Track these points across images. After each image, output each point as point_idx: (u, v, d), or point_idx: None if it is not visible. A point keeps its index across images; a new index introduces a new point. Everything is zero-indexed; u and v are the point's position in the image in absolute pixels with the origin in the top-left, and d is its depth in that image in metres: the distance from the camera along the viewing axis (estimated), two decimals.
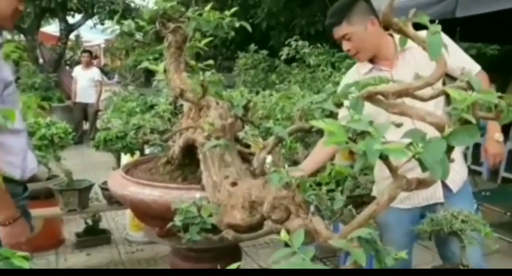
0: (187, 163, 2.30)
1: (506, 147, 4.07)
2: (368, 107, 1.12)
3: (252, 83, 5.49)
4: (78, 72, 9.05)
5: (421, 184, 1.13)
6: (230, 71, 7.35)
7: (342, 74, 3.40)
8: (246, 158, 2.29)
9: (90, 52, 9.66)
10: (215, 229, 1.63)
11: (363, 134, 1.05)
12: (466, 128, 1.08)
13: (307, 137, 3.09)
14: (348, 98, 1.29)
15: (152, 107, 3.36)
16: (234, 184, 1.85)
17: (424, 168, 1.06)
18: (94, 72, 8.98)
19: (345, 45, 1.99)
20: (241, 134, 1.63)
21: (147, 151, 3.92)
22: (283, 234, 1.13)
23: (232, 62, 7.35)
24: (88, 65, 9.01)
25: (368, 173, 2.58)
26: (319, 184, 1.85)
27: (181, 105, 2.45)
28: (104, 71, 13.45)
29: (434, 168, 1.02)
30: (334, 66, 4.67)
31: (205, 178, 1.98)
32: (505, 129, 3.07)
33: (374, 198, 2.42)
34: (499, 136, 2.13)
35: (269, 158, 1.72)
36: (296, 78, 4.65)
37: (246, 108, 1.85)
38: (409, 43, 1.95)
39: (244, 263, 2.47)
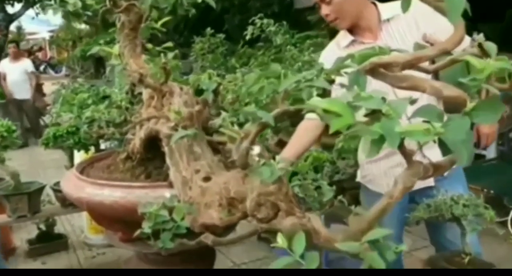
0: (150, 158, 2.09)
1: None
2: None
3: (211, 68, 5.26)
4: (6, 65, 8.18)
5: (438, 169, 0.97)
6: (184, 57, 7.09)
7: (312, 53, 3.24)
8: (216, 148, 2.10)
9: (16, 42, 8.90)
10: (190, 233, 1.43)
11: (375, 114, 0.87)
12: (489, 103, 0.92)
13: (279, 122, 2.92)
14: (341, 74, 1.11)
15: (105, 98, 3.10)
16: (207, 179, 1.65)
17: (446, 151, 0.89)
18: (26, 64, 8.23)
19: (324, 9, 1.82)
20: (218, 121, 1.44)
21: (103, 146, 3.65)
22: (280, 240, 0.95)
23: (186, 49, 7.06)
24: (17, 56, 8.20)
25: (346, 157, 2.44)
26: (295, 174, 1.68)
27: (140, 94, 2.21)
28: (51, 64, 12.82)
29: (458, 150, 0.85)
30: (296, 47, 4.50)
31: (173, 174, 1.77)
32: None
33: (356, 183, 2.29)
34: None
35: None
36: (259, 60, 4.46)
37: (215, 92, 1.65)
38: (393, 11, 1.79)
39: (217, 261, 2.30)
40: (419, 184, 1.90)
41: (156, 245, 1.32)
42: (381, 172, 1.94)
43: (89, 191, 1.88)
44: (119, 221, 1.97)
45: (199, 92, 2.04)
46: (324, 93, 1.18)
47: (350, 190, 2.22)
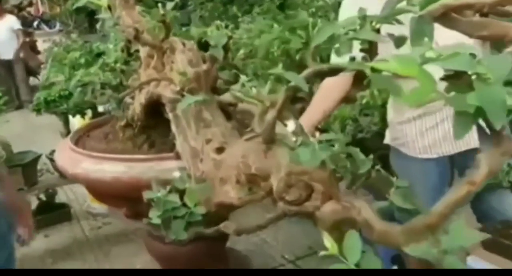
0: (153, 125, 1.87)
1: None
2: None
3: (211, 18, 4.92)
4: None
5: None
6: (182, 8, 6.70)
7: None
8: (226, 111, 1.87)
9: None
10: (205, 218, 1.23)
11: (459, 77, 0.64)
12: None
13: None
14: (392, 22, 0.87)
15: (99, 55, 2.83)
16: (220, 150, 1.44)
17: None
18: (11, 21, 7.58)
19: None
20: (236, 87, 1.21)
21: (101, 108, 3.42)
22: (330, 244, 0.74)
23: None
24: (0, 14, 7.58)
25: (369, 113, 2.20)
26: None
27: (137, 51, 1.96)
28: (44, 20, 12.32)
29: None
30: None
31: (180, 144, 1.55)
32: None
33: (384, 145, 2.07)
34: None
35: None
36: (263, 7, 4.12)
37: (225, 48, 1.40)
38: None
39: (267, 259, 2.18)
40: (461, 147, 1.69)
41: (167, 235, 1.12)
42: (416, 134, 1.71)
43: (86, 166, 1.68)
44: (122, 197, 1.77)
45: (202, 46, 1.79)
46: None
47: (375, 151, 2.00)
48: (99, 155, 1.68)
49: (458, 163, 1.69)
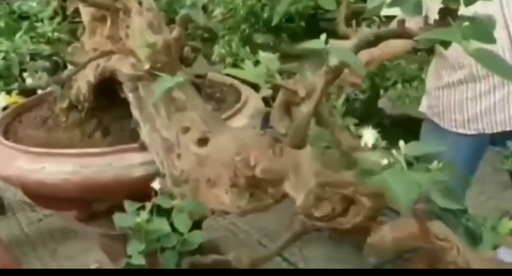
0: (105, 106, 1.51)
1: None
2: None
3: None
4: None
5: None
6: None
7: None
8: (197, 85, 1.55)
9: None
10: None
11: None
12: None
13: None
14: None
15: (24, 18, 2.37)
16: (203, 141, 1.13)
17: None
18: None
19: None
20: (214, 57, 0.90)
21: (29, 80, 2.94)
22: None
23: None
24: None
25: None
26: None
27: (75, 12, 1.57)
28: None
29: None
30: None
31: (148, 134, 1.24)
32: None
33: (378, 111, 1.83)
34: None
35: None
36: None
37: (203, 8, 1.07)
38: None
39: None
40: (507, 126, 1.46)
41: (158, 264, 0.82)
42: (455, 103, 1.47)
43: (21, 165, 1.32)
44: (72, 200, 1.43)
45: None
46: None
47: (370, 120, 1.75)
48: (39, 150, 1.33)
49: (499, 142, 1.47)
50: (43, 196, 1.40)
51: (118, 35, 1.25)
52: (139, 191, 1.21)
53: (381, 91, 1.90)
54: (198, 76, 1.68)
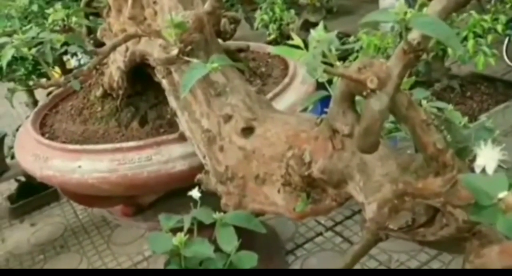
0: (141, 91, 1.40)
1: None
2: None
3: None
4: None
5: None
6: None
7: None
8: (237, 59, 1.41)
9: None
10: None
11: None
12: None
13: None
14: None
15: None
16: (248, 130, 1.00)
17: None
18: None
19: None
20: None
21: (74, 62, 2.85)
22: None
23: None
24: None
25: None
26: None
27: None
28: None
29: None
30: None
31: (186, 125, 1.11)
32: None
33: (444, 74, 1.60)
34: None
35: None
36: None
37: None
38: None
39: None
40: None
41: None
42: None
43: (57, 164, 1.23)
44: (113, 198, 1.34)
45: None
46: None
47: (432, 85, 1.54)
48: (74, 147, 1.23)
49: None
50: (82, 195, 1.32)
51: (142, 14, 1.11)
52: (184, 183, 1.11)
53: (449, 49, 1.67)
54: (240, 50, 1.54)
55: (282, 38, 2.47)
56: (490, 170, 0.42)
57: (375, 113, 0.50)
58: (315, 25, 2.66)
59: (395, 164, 0.61)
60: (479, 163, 0.43)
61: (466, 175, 0.45)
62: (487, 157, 0.43)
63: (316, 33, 0.51)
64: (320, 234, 2.07)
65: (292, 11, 2.28)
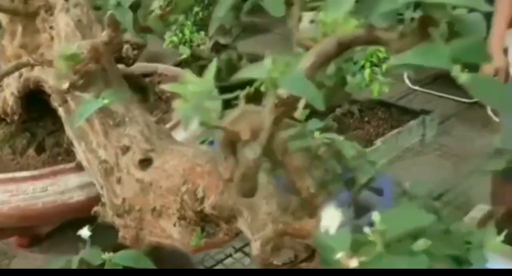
0: (37, 117, 1.35)
1: None
2: None
3: None
4: None
5: None
6: None
7: None
8: (140, 89, 1.41)
9: None
10: None
11: None
12: None
13: None
14: None
15: None
16: (146, 161, 1.00)
17: None
18: None
19: None
20: None
21: None
22: None
23: None
24: None
25: None
26: None
27: None
28: None
29: None
30: None
31: (83, 155, 1.09)
32: None
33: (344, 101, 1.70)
34: None
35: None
36: None
37: (134, 7, 0.92)
38: None
39: None
40: None
41: None
42: None
43: None
44: (7, 229, 1.28)
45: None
46: None
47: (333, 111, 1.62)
48: None
49: None
50: None
51: (35, 41, 1.08)
52: (82, 213, 1.08)
53: (348, 77, 1.76)
54: (144, 75, 1.54)
55: (194, 58, 2.50)
56: (332, 230, 0.46)
57: (249, 162, 0.53)
58: (225, 46, 2.72)
59: (276, 204, 0.64)
60: (323, 224, 0.47)
61: (317, 232, 0.49)
62: (329, 218, 0.47)
63: (191, 86, 0.53)
64: (230, 255, 2.09)
65: (202, 33, 2.31)
